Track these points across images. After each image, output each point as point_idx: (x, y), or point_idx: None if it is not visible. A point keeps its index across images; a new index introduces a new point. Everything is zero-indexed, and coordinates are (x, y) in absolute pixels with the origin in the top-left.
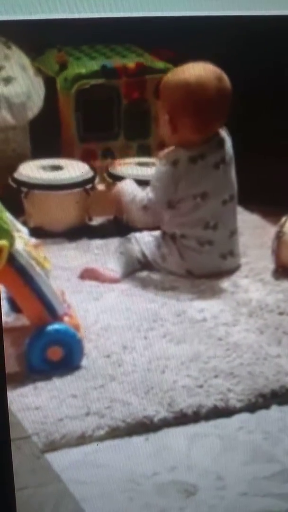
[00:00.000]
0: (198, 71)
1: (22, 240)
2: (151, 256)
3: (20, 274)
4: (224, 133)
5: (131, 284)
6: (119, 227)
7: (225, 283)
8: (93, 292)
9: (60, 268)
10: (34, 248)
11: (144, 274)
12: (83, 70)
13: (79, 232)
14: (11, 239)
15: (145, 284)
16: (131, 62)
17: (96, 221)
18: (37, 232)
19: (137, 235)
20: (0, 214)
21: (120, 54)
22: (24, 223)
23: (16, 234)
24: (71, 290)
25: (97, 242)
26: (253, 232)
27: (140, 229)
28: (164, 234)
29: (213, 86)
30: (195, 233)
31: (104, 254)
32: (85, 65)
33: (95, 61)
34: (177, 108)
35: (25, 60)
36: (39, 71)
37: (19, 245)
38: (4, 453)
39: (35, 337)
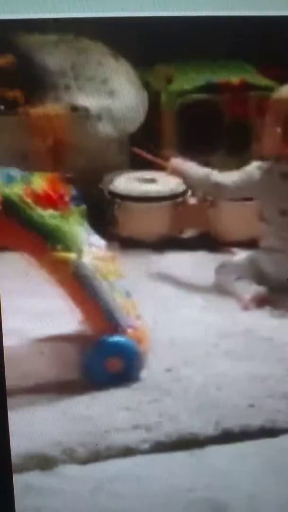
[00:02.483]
0: None
1: (91, 253)
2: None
3: (82, 285)
4: None
5: (207, 299)
6: (209, 240)
7: None
8: (168, 304)
9: (142, 278)
10: (104, 261)
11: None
12: (187, 85)
13: (168, 243)
14: (79, 252)
15: (222, 299)
16: (235, 78)
17: (187, 234)
18: (127, 242)
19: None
20: (73, 229)
21: (227, 69)
22: (115, 234)
23: (86, 247)
24: (147, 302)
25: (184, 255)
26: None
27: (228, 243)
28: (260, 248)
29: None
30: None
31: (185, 266)
32: (190, 80)
33: (200, 75)
34: None
35: (132, 74)
36: (146, 84)
37: (86, 257)
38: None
39: (95, 348)
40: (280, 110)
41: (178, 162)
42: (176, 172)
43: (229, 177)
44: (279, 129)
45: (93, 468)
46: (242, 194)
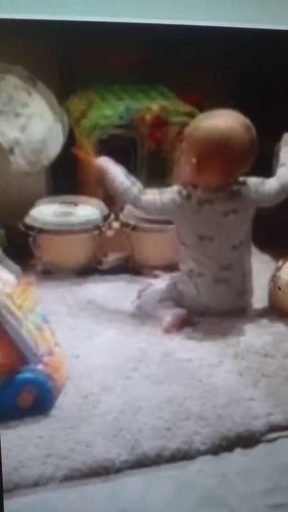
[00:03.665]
0: (229, 120)
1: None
2: (169, 295)
3: None
4: (246, 184)
5: (128, 323)
6: (130, 265)
7: (221, 323)
8: (88, 330)
9: (61, 305)
10: (17, 293)
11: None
12: (102, 121)
13: (89, 270)
14: None
15: (143, 323)
16: (151, 112)
17: (109, 259)
18: (47, 272)
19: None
20: None
21: (148, 96)
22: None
23: None
24: (68, 328)
25: (105, 281)
26: (260, 273)
27: (150, 267)
28: (181, 272)
29: (243, 136)
30: (211, 272)
31: (108, 292)
32: (107, 111)
33: (119, 102)
34: (206, 155)
35: (45, 107)
36: (63, 116)
37: None
38: None
39: (5, 385)
40: (193, 140)
41: (106, 162)
42: (100, 173)
43: (150, 195)
44: (194, 160)
45: (6, 499)
46: (160, 213)
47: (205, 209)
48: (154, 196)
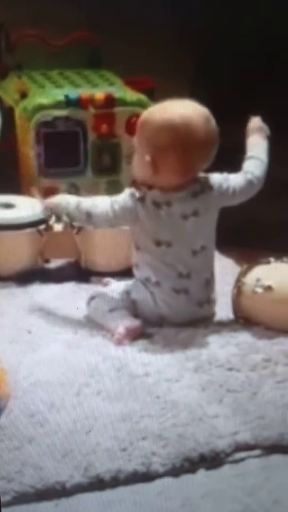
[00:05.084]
0: (185, 110)
1: None
2: (121, 304)
3: None
4: (207, 182)
5: (78, 334)
6: (78, 270)
7: (181, 334)
8: (32, 342)
9: (2, 315)
10: None
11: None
12: (44, 100)
13: (33, 275)
14: None
15: (93, 333)
16: (100, 93)
17: (54, 263)
18: None
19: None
20: None
21: (91, 82)
22: None
23: None
24: (7, 340)
25: (50, 287)
26: (223, 278)
27: (99, 273)
28: (135, 279)
29: (202, 127)
30: (169, 281)
31: (53, 300)
32: (48, 95)
33: (61, 89)
34: (161, 150)
35: None
36: None
37: None
38: None
39: None
40: (146, 135)
41: (51, 200)
42: (50, 208)
43: (101, 206)
44: (148, 157)
45: None
46: (115, 224)
47: (162, 212)
48: (105, 207)
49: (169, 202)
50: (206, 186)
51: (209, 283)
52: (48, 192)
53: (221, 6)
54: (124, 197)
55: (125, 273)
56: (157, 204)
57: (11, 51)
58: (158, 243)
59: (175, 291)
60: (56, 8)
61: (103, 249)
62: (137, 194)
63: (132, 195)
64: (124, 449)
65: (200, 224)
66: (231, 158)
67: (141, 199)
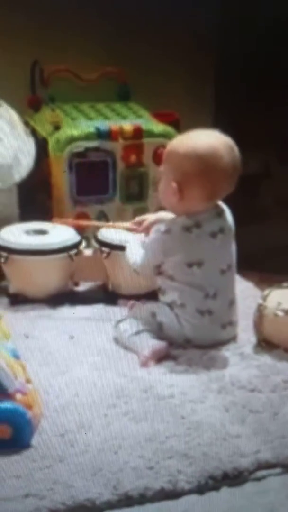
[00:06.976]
0: (209, 139)
1: None
2: (147, 326)
3: None
4: (222, 204)
5: (104, 356)
6: (106, 293)
7: (204, 356)
8: (61, 365)
9: (34, 338)
10: None
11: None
12: (76, 132)
13: (63, 298)
14: None
15: (120, 356)
16: (128, 125)
17: (84, 286)
18: (17, 299)
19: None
20: None
21: (120, 114)
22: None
23: None
24: (39, 363)
25: (80, 310)
26: (244, 302)
27: (126, 296)
28: (160, 302)
29: (226, 155)
30: (195, 302)
31: (80, 322)
32: (80, 127)
33: (92, 122)
34: (187, 178)
35: (16, 120)
36: (32, 131)
37: None
38: None
39: None
40: (173, 163)
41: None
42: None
43: (142, 262)
44: (174, 184)
45: None
46: (157, 262)
47: (193, 234)
48: (144, 259)
49: (198, 223)
50: (223, 207)
51: (232, 304)
52: (79, 218)
53: (240, 40)
54: (156, 238)
55: (151, 295)
56: (187, 228)
57: (45, 85)
58: (190, 265)
59: (199, 312)
60: (88, 43)
61: (130, 272)
62: (163, 228)
63: (157, 230)
64: (151, 468)
65: (226, 242)
66: (254, 185)
67: (168, 231)
